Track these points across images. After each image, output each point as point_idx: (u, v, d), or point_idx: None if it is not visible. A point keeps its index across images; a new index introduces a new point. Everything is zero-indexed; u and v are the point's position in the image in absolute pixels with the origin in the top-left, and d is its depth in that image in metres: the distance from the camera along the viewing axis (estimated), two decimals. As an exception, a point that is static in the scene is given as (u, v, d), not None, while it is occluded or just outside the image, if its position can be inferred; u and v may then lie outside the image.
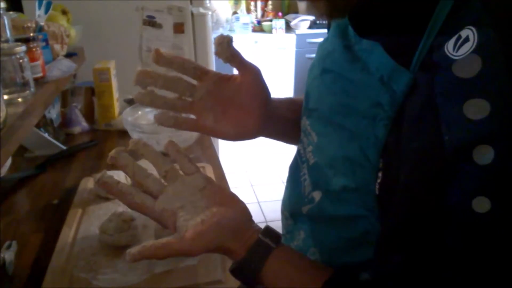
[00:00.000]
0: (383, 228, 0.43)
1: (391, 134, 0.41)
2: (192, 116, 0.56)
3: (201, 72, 0.54)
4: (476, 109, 0.33)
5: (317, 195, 0.51)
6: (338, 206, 0.47)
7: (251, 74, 0.54)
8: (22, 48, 0.84)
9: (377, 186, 0.42)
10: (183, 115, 0.56)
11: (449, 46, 0.36)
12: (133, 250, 0.45)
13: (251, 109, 0.54)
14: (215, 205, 0.49)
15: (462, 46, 0.34)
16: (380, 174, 0.42)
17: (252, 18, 3.92)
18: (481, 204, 0.33)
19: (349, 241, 0.48)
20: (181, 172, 0.55)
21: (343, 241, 0.49)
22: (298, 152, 0.59)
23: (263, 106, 0.55)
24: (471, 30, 0.34)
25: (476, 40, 0.33)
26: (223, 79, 0.55)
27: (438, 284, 0.37)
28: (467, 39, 0.34)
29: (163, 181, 0.53)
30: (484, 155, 0.32)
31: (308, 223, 0.54)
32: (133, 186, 0.52)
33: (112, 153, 0.52)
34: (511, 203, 0.32)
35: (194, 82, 0.55)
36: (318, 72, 0.53)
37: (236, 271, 0.46)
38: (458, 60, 0.34)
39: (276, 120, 0.60)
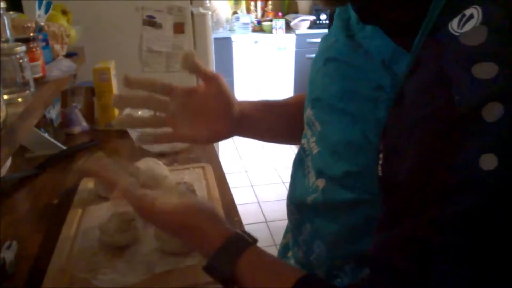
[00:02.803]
0: (384, 210, 0.44)
1: (392, 115, 0.42)
2: (169, 129, 0.62)
3: (169, 89, 0.61)
4: (485, 70, 0.34)
5: (321, 183, 0.52)
6: (341, 192, 0.48)
7: (214, 80, 0.60)
8: (22, 48, 0.84)
9: (379, 168, 0.43)
10: (160, 129, 0.63)
11: (453, 24, 0.37)
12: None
13: (220, 111, 0.61)
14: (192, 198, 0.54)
15: (467, 23, 0.36)
16: (381, 156, 0.43)
17: (252, 18, 3.92)
18: (488, 161, 0.33)
19: (353, 229, 0.49)
20: None
21: (346, 230, 0.49)
22: (302, 146, 0.60)
23: (230, 106, 0.61)
24: (476, 8, 0.36)
25: (481, 16, 0.35)
26: (190, 91, 0.62)
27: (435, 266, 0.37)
28: (471, 17, 0.35)
29: None
30: (493, 112, 0.33)
31: (313, 214, 0.55)
32: None
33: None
34: None
35: (165, 98, 0.62)
36: (321, 63, 0.54)
37: (210, 263, 0.47)
38: (465, 32, 0.36)
39: (248, 119, 0.65)
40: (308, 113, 0.56)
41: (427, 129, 0.37)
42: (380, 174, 0.43)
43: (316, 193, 0.52)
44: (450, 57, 0.36)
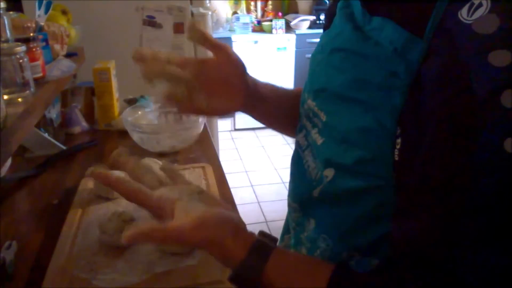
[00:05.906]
0: (400, 196, 0.44)
1: (410, 101, 0.43)
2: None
3: (183, 61, 0.60)
4: (500, 58, 0.35)
5: (329, 173, 0.51)
6: (353, 180, 0.48)
7: (224, 50, 0.60)
8: (22, 48, 0.84)
9: (396, 153, 0.44)
10: None
11: (463, 12, 0.38)
12: (129, 232, 0.44)
13: (234, 76, 0.61)
14: (213, 206, 0.51)
15: (476, 11, 0.37)
16: (399, 141, 0.44)
17: (252, 18, 3.92)
18: (510, 145, 0.34)
19: (362, 218, 0.49)
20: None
21: (356, 219, 0.50)
22: (298, 143, 0.60)
23: (243, 71, 0.62)
24: None
25: (489, 4, 0.36)
26: (203, 62, 0.61)
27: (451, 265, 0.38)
28: (480, 5, 0.37)
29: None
30: (511, 99, 0.34)
31: (318, 208, 0.55)
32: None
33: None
34: None
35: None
36: (325, 54, 0.54)
37: (237, 275, 0.46)
38: (476, 19, 0.37)
39: (258, 95, 0.65)
40: (310, 104, 0.56)
41: (445, 114, 0.38)
42: (397, 158, 0.44)
43: (322, 184, 0.52)
44: (465, 44, 0.37)
